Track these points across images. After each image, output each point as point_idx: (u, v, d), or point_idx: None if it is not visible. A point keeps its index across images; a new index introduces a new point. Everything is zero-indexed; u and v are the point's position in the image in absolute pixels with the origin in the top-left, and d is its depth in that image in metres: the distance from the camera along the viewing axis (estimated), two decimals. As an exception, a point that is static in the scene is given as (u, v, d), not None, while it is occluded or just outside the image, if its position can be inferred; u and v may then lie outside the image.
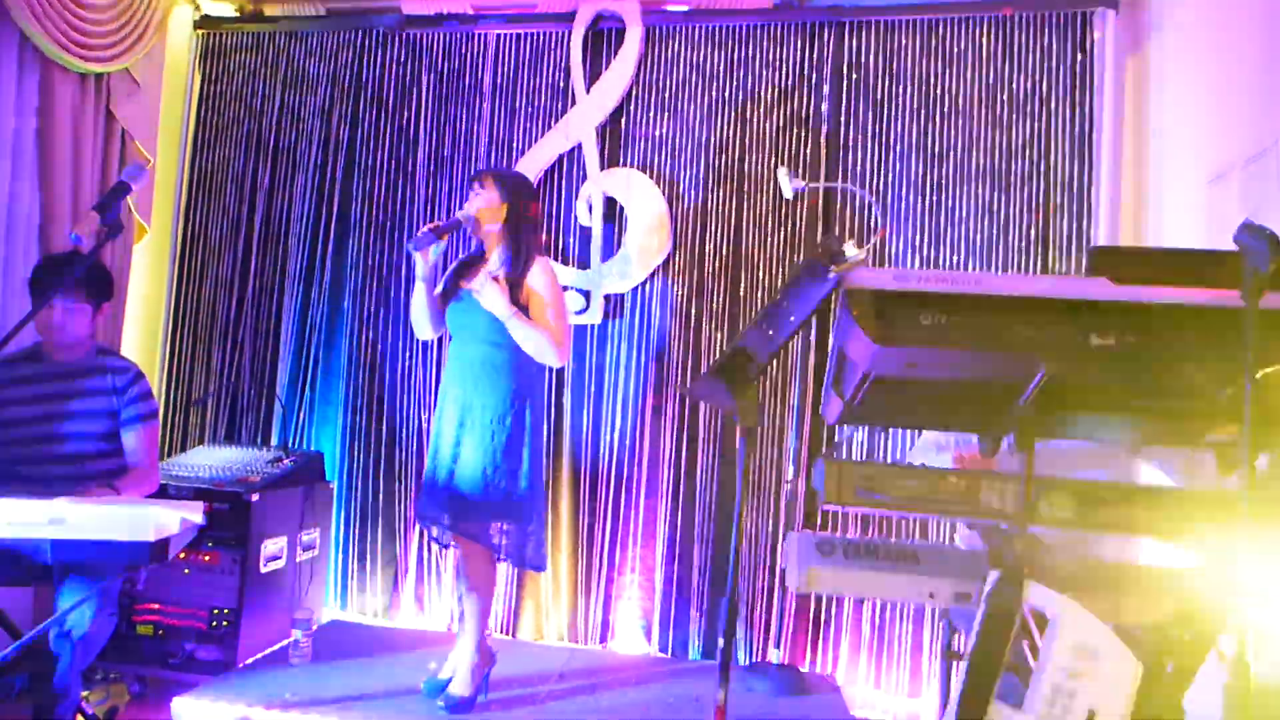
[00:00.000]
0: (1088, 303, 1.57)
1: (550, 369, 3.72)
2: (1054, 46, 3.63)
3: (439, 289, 3.04)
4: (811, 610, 3.62)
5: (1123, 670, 1.60)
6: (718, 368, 1.62)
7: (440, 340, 3.74)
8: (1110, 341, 1.57)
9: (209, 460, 3.59)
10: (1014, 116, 3.64)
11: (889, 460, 3.57)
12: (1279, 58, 2.63)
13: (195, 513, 2.28)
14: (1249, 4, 2.85)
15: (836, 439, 3.36)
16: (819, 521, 3.53)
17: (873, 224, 3.65)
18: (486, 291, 2.84)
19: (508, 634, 3.83)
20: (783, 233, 3.74)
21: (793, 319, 1.70)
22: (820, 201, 3.71)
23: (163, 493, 3.16)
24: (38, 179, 3.51)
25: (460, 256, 3.19)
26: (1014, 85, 3.65)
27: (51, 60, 3.46)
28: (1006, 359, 1.61)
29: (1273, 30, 2.69)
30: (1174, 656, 1.81)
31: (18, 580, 2.64)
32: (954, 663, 2.25)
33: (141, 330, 4.17)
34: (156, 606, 3.26)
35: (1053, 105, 3.62)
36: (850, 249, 1.63)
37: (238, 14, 4.32)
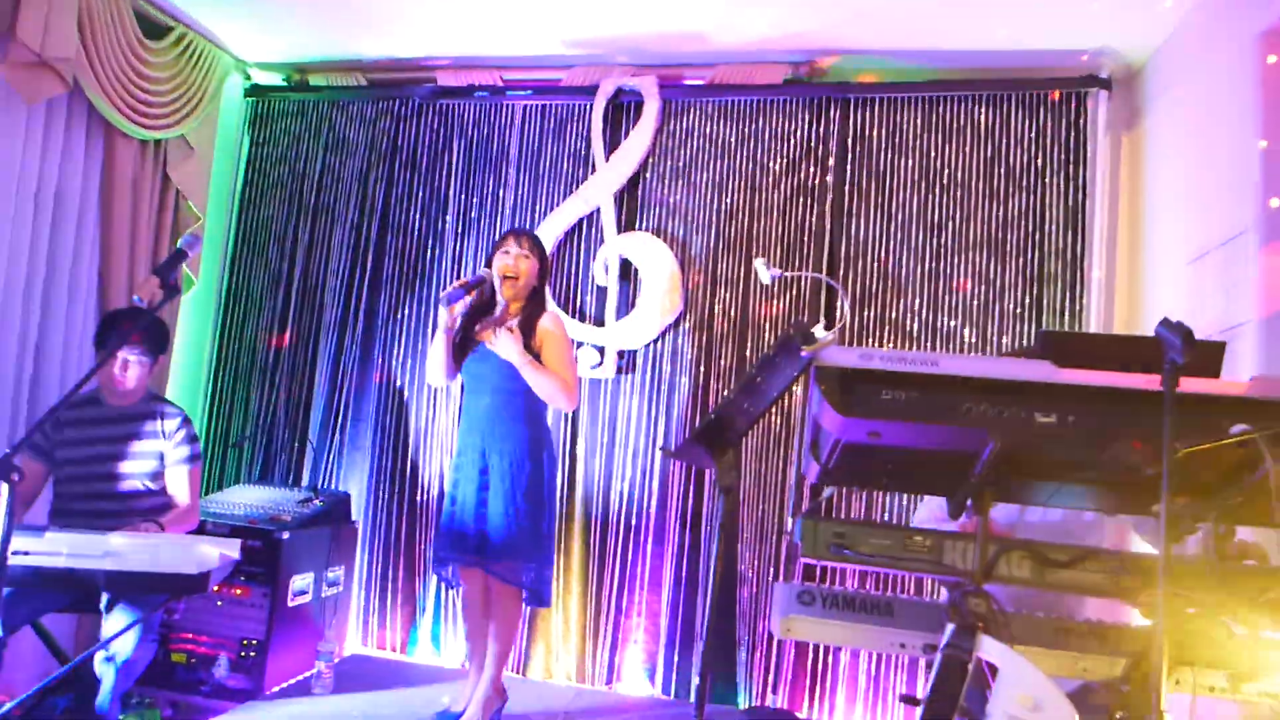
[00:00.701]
0: (1032, 383, 1.76)
1: (563, 418, 3.95)
2: (1049, 123, 3.83)
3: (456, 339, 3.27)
4: (810, 658, 3.76)
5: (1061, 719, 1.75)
6: (699, 432, 1.81)
7: (461, 389, 3.96)
8: (1052, 419, 1.76)
9: (244, 499, 3.82)
10: (1010, 189, 3.83)
11: (881, 518, 3.74)
12: (1250, 148, 2.82)
13: (232, 549, 2.51)
14: (1224, 96, 3.05)
15: (821, 495, 3.52)
16: (822, 571, 3.68)
17: (870, 290, 3.85)
18: (503, 339, 3.06)
19: (518, 673, 4.00)
20: (788, 297, 3.94)
21: (770, 392, 1.90)
22: (825, 268, 3.91)
23: (201, 529, 3.40)
24: (98, 236, 3.82)
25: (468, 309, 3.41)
26: (1010, 159, 3.85)
27: (115, 127, 3.78)
28: (959, 432, 1.79)
29: (1244, 122, 2.88)
30: (1125, 710, 1.96)
31: (68, 607, 2.87)
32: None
33: (186, 375, 4.45)
34: (191, 636, 3.48)
35: (1048, 179, 3.81)
36: (820, 330, 1.84)
37: (285, 83, 4.65)
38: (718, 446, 1.83)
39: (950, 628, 1.89)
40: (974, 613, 1.86)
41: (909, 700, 2.41)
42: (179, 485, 3.05)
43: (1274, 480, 1.65)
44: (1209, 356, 1.86)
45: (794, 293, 3.95)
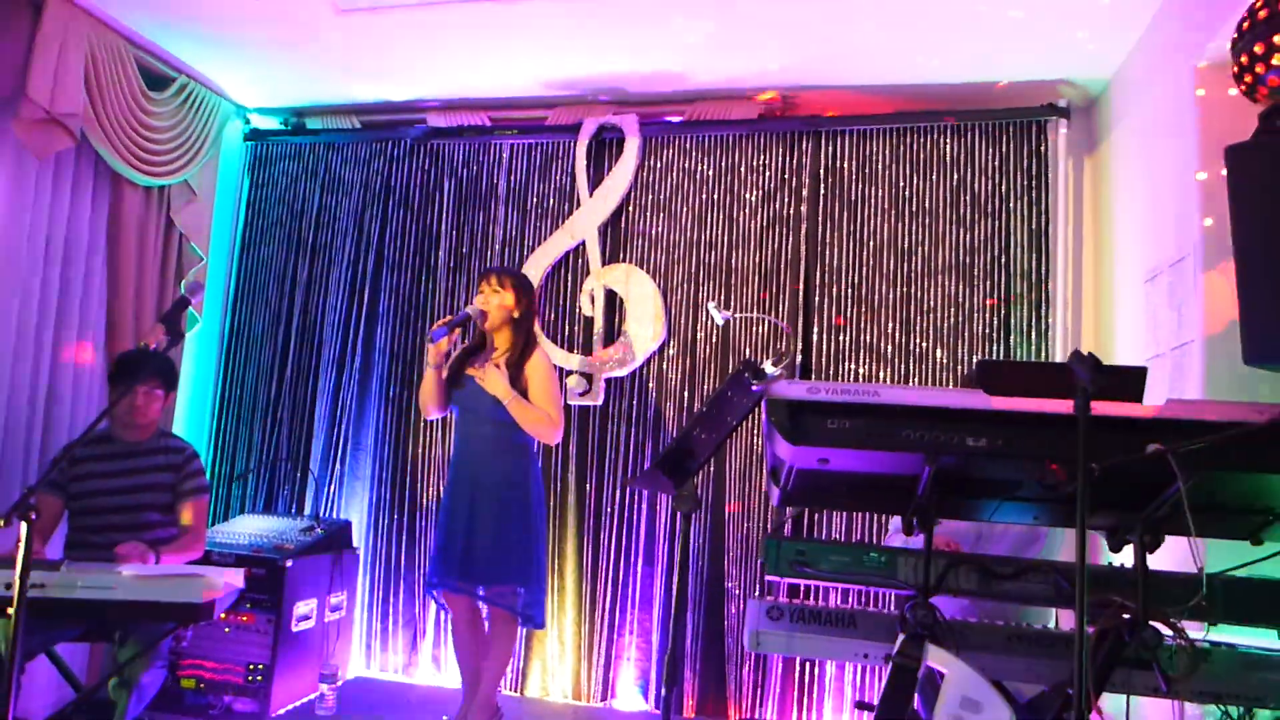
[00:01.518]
0: (965, 410, 1.91)
1: (553, 447, 4.11)
2: (1011, 151, 4.00)
3: (446, 374, 3.44)
4: (797, 671, 3.90)
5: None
6: (660, 462, 1.97)
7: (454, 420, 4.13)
8: (983, 443, 1.91)
9: (249, 528, 3.98)
10: (976, 215, 4.00)
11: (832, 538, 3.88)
12: (1190, 174, 2.98)
13: (236, 578, 2.68)
14: (1168, 126, 3.21)
15: (786, 516, 3.68)
16: (808, 589, 3.82)
17: (845, 314, 4.02)
18: (490, 377, 3.23)
19: (516, 691, 4.14)
20: (766, 322, 4.10)
21: (727, 423, 2.06)
22: (801, 294, 4.08)
23: (207, 559, 3.56)
24: (105, 280, 4.00)
25: (463, 345, 3.58)
26: (976, 187, 4.02)
27: (121, 176, 3.97)
28: (900, 457, 1.95)
29: (1185, 150, 3.04)
30: (1069, 712, 2.09)
31: (82, 636, 3.02)
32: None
33: (192, 410, 4.62)
34: (199, 662, 3.63)
35: (1012, 204, 3.97)
36: (769, 367, 2.00)
37: (283, 127, 4.85)
38: (677, 475, 1.99)
39: (900, 638, 2.04)
40: (921, 623, 2.01)
41: (863, 706, 2.56)
42: (186, 517, 3.21)
43: (1185, 495, 1.80)
44: (1130, 381, 2.01)
45: (775, 314, 4.10)
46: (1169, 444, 1.78)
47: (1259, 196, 2.10)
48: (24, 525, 2.04)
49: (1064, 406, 1.83)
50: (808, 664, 3.89)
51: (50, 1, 3.52)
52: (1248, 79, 2.22)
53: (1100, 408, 1.82)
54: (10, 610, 2.02)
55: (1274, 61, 2.15)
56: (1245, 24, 2.20)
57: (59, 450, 3.47)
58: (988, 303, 3.92)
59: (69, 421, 3.80)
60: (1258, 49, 2.18)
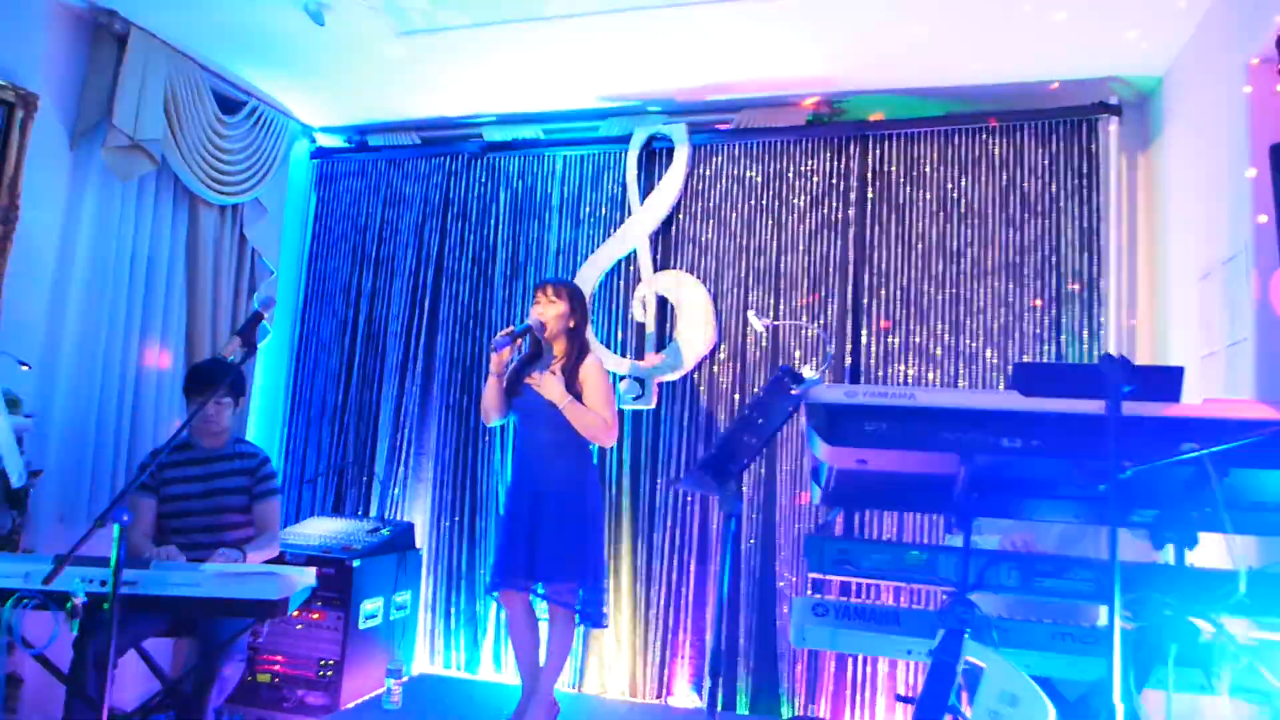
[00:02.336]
0: (999, 412, 1.96)
1: (612, 448, 4.22)
2: (1061, 151, 3.99)
3: (506, 383, 3.57)
4: (850, 668, 3.94)
5: (1037, 713, 1.94)
6: (704, 464, 2.06)
7: (513, 426, 4.26)
8: (1018, 444, 1.96)
9: (319, 530, 4.17)
10: (1026, 215, 4.00)
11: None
12: (1241, 171, 2.97)
13: (309, 576, 2.83)
14: (1221, 122, 3.19)
15: (828, 516, 3.72)
16: (858, 587, 3.87)
17: (894, 317, 4.05)
18: (547, 383, 3.36)
19: (574, 688, 4.26)
20: (816, 326, 4.15)
21: (767, 427, 2.14)
22: (850, 297, 4.12)
23: (280, 559, 3.74)
24: (185, 294, 4.23)
25: (522, 354, 3.71)
26: (1025, 187, 4.02)
27: (198, 196, 4.19)
28: (936, 457, 2.01)
29: (1237, 147, 3.02)
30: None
31: (167, 631, 3.22)
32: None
33: (264, 418, 4.85)
34: (274, 657, 3.82)
35: (1062, 203, 3.96)
36: (808, 371, 2.08)
37: (347, 144, 5.05)
38: (720, 477, 2.07)
39: (940, 633, 2.10)
40: (960, 619, 2.06)
41: (904, 700, 2.60)
42: (263, 516, 3.39)
43: (1221, 494, 1.83)
44: (1166, 382, 2.03)
45: (822, 320, 4.15)
46: (1204, 444, 1.82)
47: (1303, 195, 2.11)
48: (116, 529, 2.21)
49: (1097, 407, 1.86)
50: (860, 661, 3.93)
51: (133, 34, 3.75)
52: (1292, 77, 2.22)
53: (1136, 408, 1.85)
54: (106, 605, 2.19)
55: (1317, 60, 2.15)
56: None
57: (146, 456, 3.69)
58: (1033, 303, 3.91)
59: (153, 430, 4.03)
60: (1302, 48, 2.18)
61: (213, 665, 2.97)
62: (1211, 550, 2.06)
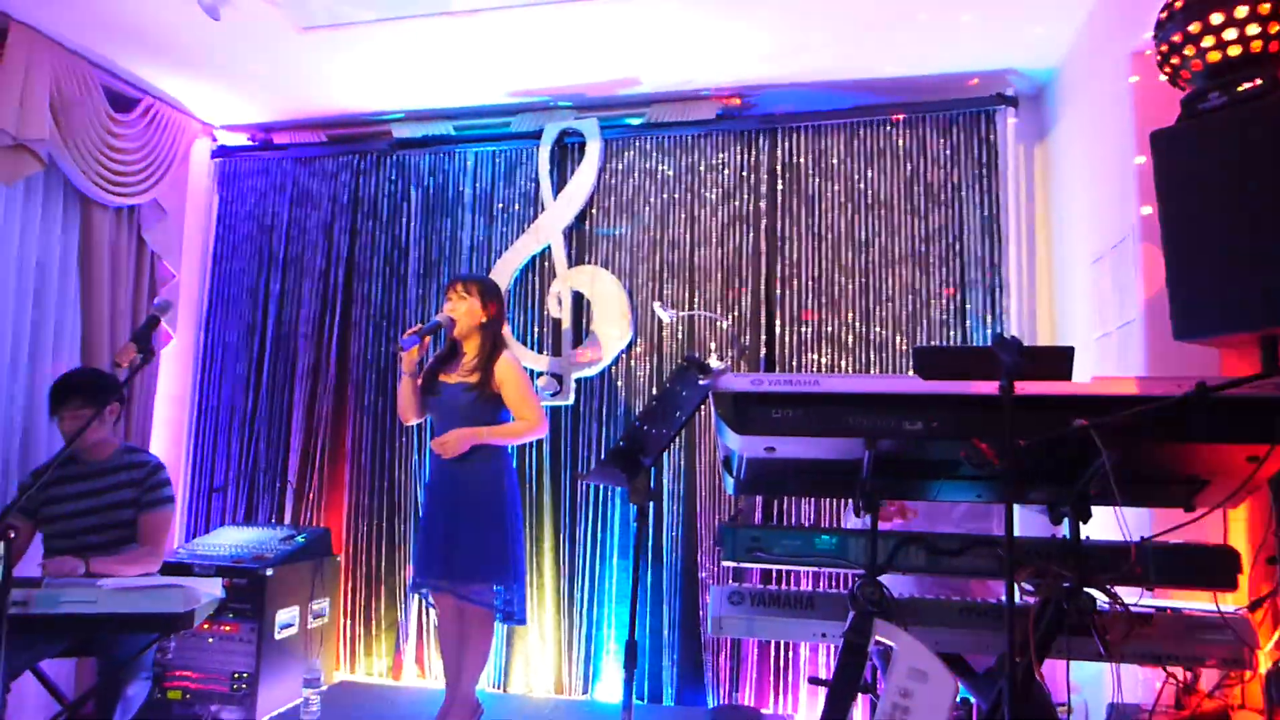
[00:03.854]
0: (901, 395, 2.01)
1: (529, 444, 4.19)
2: (961, 142, 4.10)
3: (420, 382, 3.52)
4: (772, 656, 3.99)
5: (945, 689, 1.99)
6: (611, 457, 2.06)
7: (429, 426, 4.20)
8: (919, 426, 2.00)
9: (230, 540, 4.04)
10: (930, 205, 4.10)
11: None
12: (1128, 158, 3.09)
13: (215, 587, 2.74)
14: (1107, 112, 3.32)
15: (740, 504, 3.77)
16: (779, 574, 3.92)
17: (806, 306, 4.12)
18: (450, 446, 3.33)
19: (499, 689, 4.22)
20: (731, 317, 4.19)
21: (676, 418, 2.15)
22: (764, 289, 4.17)
23: (188, 570, 3.63)
24: (79, 301, 4.05)
25: (435, 353, 3.66)
26: (928, 177, 4.12)
27: (90, 197, 4.01)
28: (842, 442, 2.04)
29: (1123, 135, 3.15)
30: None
31: (66, 651, 3.07)
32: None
33: (169, 426, 4.67)
34: (184, 673, 3.69)
35: (964, 193, 4.07)
36: (714, 361, 2.09)
37: (250, 143, 4.90)
38: (629, 469, 2.07)
39: (851, 614, 2.14)
40: (869, 600, 2.11)
41: (816, 681, 2.65)
42: (144, 528, 3.20)
43: (1111, 467, 1.90)
44: (1057, 361, 2.11)
45: (736, 313, 4.19)
46: (1092, 419, 1.88)
47: (1182, 179, 2.21)
48: (3, 545, 2.11)
49: (993, 388, 1.92)
50: (782, 647, 3.99)
51: (12, 29, 3.57)
52: (1170, 65, 2.32)
53: (1029, 387, 1.91)
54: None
55: (1191, 49, 2.24)
56: (1164, 14, 2.30)
57: (27, 476, 3.50)
58: (946, 292, 4.02)
59: (47, 445, 3.85)
60: (1176, 38, 2.27)
61: (115, 684, 2.86)
62: (1104, 523, 2.14)
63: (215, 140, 4.90)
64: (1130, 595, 2.10)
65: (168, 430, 4.66)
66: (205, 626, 3.63)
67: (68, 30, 3.77)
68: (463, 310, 3.42)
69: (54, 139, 3.72)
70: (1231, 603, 2.13)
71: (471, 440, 3.32)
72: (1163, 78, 2.37)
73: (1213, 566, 2.10)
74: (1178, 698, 2.30)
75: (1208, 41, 2.17)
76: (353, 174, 4.71)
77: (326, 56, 4.01)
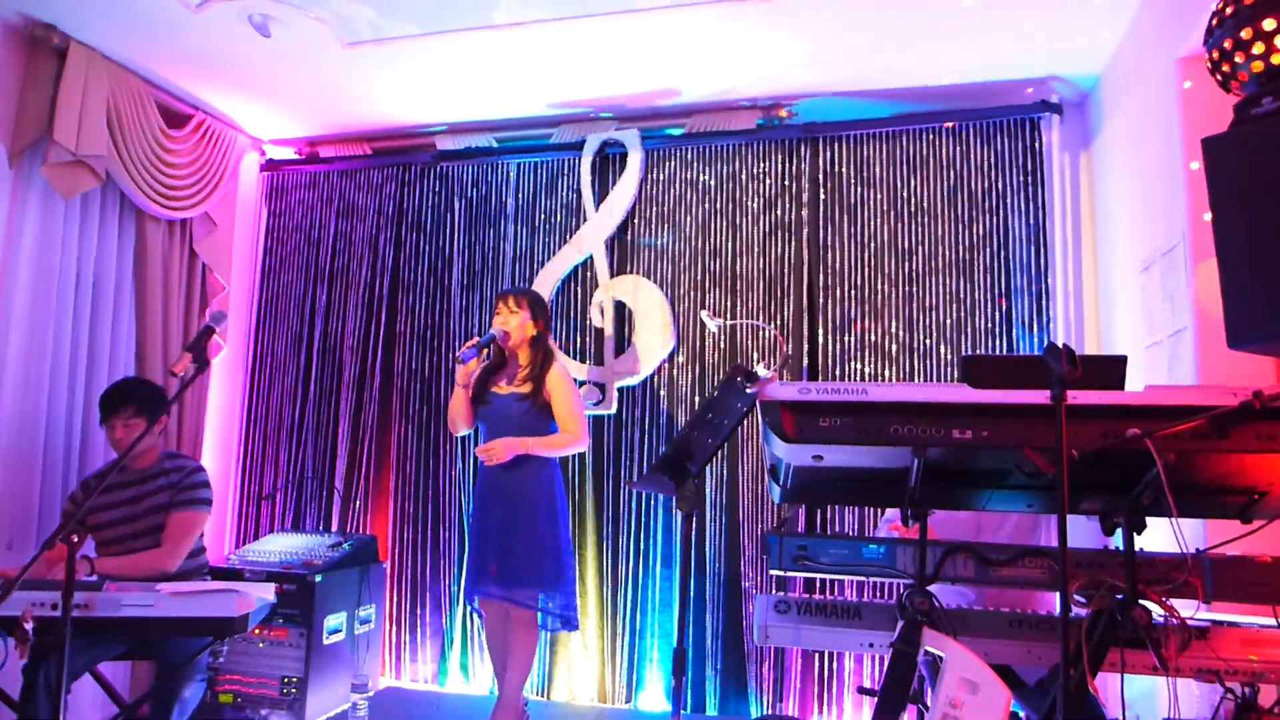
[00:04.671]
0: (951, 404, 2.00)
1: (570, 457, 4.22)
2: (1006, 149, 4.07)
3: (472, 393, 3.57)
4: (816, 665, 3.97)
5: (996, 699, 1.97)
6: (658, 465, 2.07)
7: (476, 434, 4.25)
8: (969, 435, 1.99)
9: (278, 546, 4.11)
10: (974, 213, 4.07)
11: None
12: (1176, 164, 3.05)
13: (267, 592, 2.80)
14: (1155, 118, 3.28)
15: (786, 513, 3.76)
16: (822, 583, 3.90)
17: (849, 315, 4.10)
18: (497, 452, 3.37)
19: (542, 696, 4.24)
20: (772, 326, 4.19)
21: (725, 423, 2.16)
22: (806, 297, 4.17)
23: (239, 575, 3.70)
24: (134, 312, 4.15)
25: (485, 364, 3.70)
26: (973, 185, 4.09)
27: (145, 212, 4.12)
28: (889, 451, 2.03)
29: (1171, 141, 3.11)
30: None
31: (123, 654, 3.15)
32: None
33: (220, 435, 4.77)
34: (236, 677, 3.76)
35: (1009, 201, 4.04)
36: (761, 370, 2.10)
37: (298, 157, 5.00)
38: (677, 477, 2.09)
39: (900, 623, 2.13)
40: (918, 610, 2.09)
41: (865, 692, 2.63)
42: (169, 525, 3.22)
43: (1164, 477, 1.88)
44: (1109, 370, 2.09)
45: (779, 320, 4.19)
46: (1147, 429, 1.86)
47: (1235, 185, 2.17)
48: (69, 550, 2.17)
49: (1045, 397, 1.90)
50: (826, 657, 3.96)
51: (72, 49, 3.68)
52: (1221, 71, 2.29)
53: (1081, 396, 1.90)
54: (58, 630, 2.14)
55: (1243, 56, 2.21)
56: (1215, 20, 2.27)
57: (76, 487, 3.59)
58: (999, 302, 3.98)
59: (103, 452, 3.94)
60: (1227, 44, 2.24)
61: (171, 687, 2.92)
62: (1160, 534, 2.11)
63: (264, 154, 5.01)
64: (1185, 610, 2.07)
65: (218, 439, 4.76)
66: (256, 631, 3.70)
67: (124, 50, 3.89)
68: (515, 324, 3.48)
69: (111, 155, 3.83)
70: (1291, 617, 2.08)
71: (517, 449, 3.36)
72: (1215, 83, 2.34)
73: (1272, 580, 2.07)
74: (1236, 714, 2.25)
75: (1258, 49, 2.14)
76: (397, 186, 4.79)
77: (371, 71, 4.08)
